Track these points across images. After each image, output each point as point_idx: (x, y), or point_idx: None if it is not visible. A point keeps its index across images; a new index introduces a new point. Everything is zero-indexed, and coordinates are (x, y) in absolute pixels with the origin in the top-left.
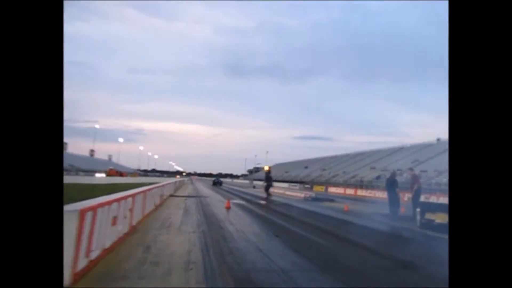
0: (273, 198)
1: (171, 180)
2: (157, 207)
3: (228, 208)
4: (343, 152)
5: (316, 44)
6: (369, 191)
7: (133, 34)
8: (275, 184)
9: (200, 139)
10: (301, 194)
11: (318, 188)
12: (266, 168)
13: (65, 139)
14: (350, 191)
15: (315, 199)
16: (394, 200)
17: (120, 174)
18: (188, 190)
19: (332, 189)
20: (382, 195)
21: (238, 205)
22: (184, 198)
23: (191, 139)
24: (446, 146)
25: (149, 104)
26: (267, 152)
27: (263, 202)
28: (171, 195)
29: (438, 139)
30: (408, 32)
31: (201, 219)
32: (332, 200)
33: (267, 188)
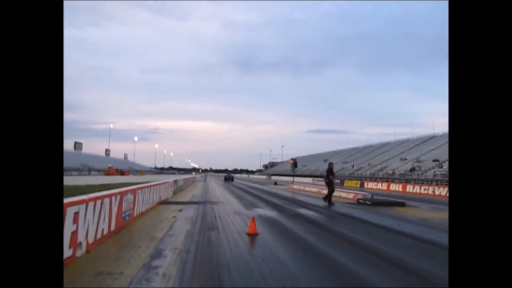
0: (312, 201)
1: (171, 177)
2: (97, 244)
3: (252, 234)
4: (359, 144)
5: (327, 35)
6: (423, 187)
7: (144, 35)
8: (296, 179)
9: (214, 136)
10: (350, 195)
11: (350, 183)
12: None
13: (82, 140)
14: (395, 187)
15: (376, 203)
16: None
17: (122, 172)
18: (195, 190)
19: (370, 185)
20: (448, 192)
21: (269, 222)
22: (180, 207)
23: (205, 136)
24: None
25: (163, 103)
26: (282, 146)
27: (306, 211)
28: (163, 202)
29: None
30: (421, 19)
31: None
32: (402, 204)
33: (329, 194)
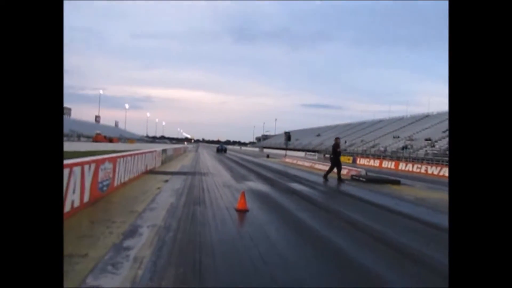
0: (305, 175)
1: (161, 146)
2: (65, 218)
3: (242, 210)
4: (353, 120)
5: (327, 6)
6: (416, 165)
7: None
8: (288, 153)
9: (208, 106)
10: (343, 171)
11: (343, 159)
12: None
13: (70, 105)
14: (388, 164)
15: (371, 180)
16: None
17: (110, 140)
18: (185, 160)
19: (362, 161)
20: (440, 172)
21: (260, 197)
22: (167, 177)
23: (199, 107)
24: None
25: (155, 70)
26: (276, 119)
27: (299, 186)
28: (149, 172)
29: None
30: None
31: None
32: (397, 182)
33: (331, 169)
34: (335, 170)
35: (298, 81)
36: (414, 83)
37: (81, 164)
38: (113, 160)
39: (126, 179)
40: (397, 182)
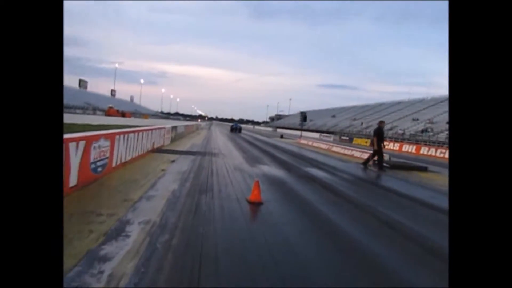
0: (324, 159)
1: (174, 123)
2: None
3: (255, 203)
4: (370, 102)
5: None
6: (440, 150)
7: None
8: (303, 134)
9: (222, 84)
10: (364, 155)
11: (359, 141)
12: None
13: (87, 78)
14: (408, 148)
15: (395, 166)
16: None
17: (123, 114)
18: (196, 138)
19: None
20: None
21: (276, 185)
22: (175, 157)
23: (213, 84)
24: None
25: (171, 46)
26: (290, 99)
27: (318, 172)
28: (156, 150)
29: None
30: None
31: None
32: (424, 169)
33: (382, 155)
34: (355, 156)
35: (315, 60)
36: (435, 61)
37: (65, 142)
38: (111, 137)
39: (128, 158)
40: (425, 169)
